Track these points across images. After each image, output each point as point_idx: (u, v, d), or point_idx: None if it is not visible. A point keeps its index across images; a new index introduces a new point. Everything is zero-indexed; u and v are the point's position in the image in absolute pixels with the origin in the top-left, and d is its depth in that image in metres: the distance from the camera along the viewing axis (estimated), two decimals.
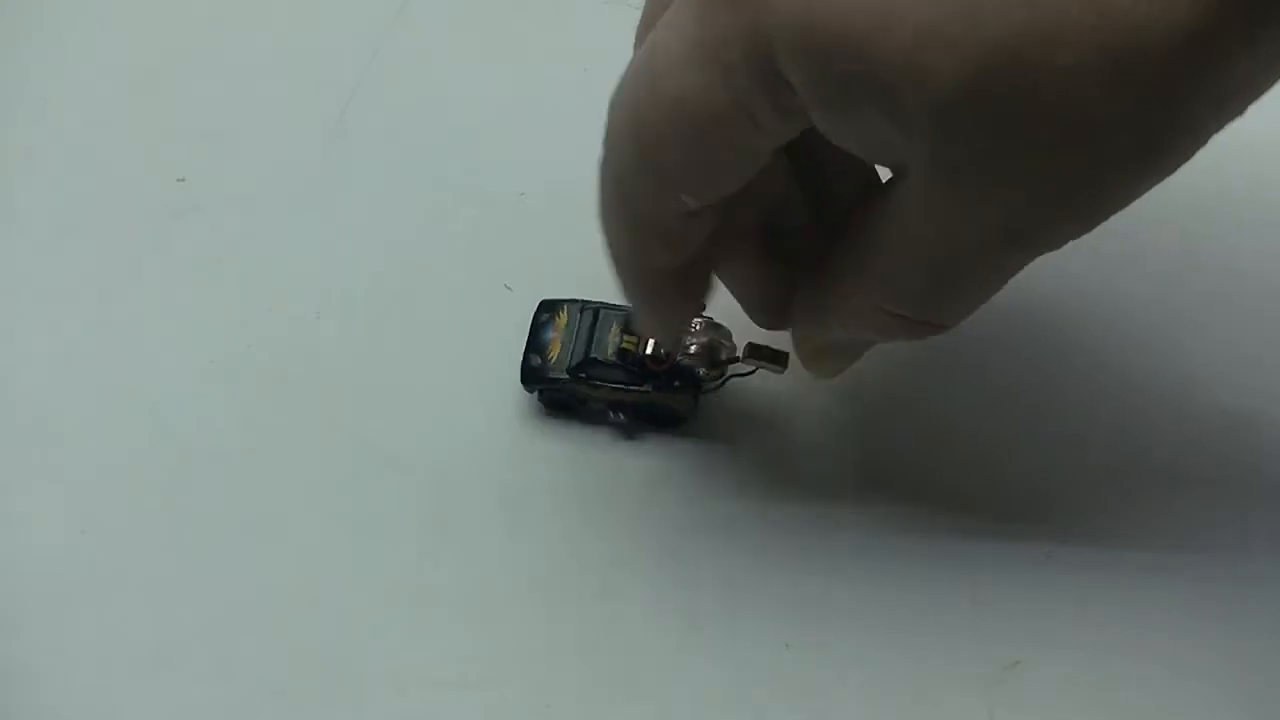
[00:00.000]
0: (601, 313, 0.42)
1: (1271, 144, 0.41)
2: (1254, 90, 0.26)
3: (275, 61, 0.54)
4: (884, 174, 0.32)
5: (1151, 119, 0.25)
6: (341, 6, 0.56)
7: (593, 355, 0.41)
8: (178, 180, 0.50)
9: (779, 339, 0.39)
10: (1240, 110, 0.27)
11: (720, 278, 0.38)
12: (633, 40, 0.34)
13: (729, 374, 0.41)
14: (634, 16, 0.34)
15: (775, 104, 0.28)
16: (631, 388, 0.41)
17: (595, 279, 0.38)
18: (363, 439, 0.43)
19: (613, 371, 0.41)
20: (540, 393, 0.42)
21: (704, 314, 0.40)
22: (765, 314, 0.38)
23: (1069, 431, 0.42)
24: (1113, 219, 0.28)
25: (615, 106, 0.31)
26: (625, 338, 0.41)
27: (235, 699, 0.38)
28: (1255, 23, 0.24)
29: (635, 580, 0.40)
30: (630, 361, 0.41)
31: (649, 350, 0.41)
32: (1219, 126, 0.26)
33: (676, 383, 0.41)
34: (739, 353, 0.41)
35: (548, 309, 0.43)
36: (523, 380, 0.42)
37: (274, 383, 0.44)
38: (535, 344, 0.42)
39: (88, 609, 0.40)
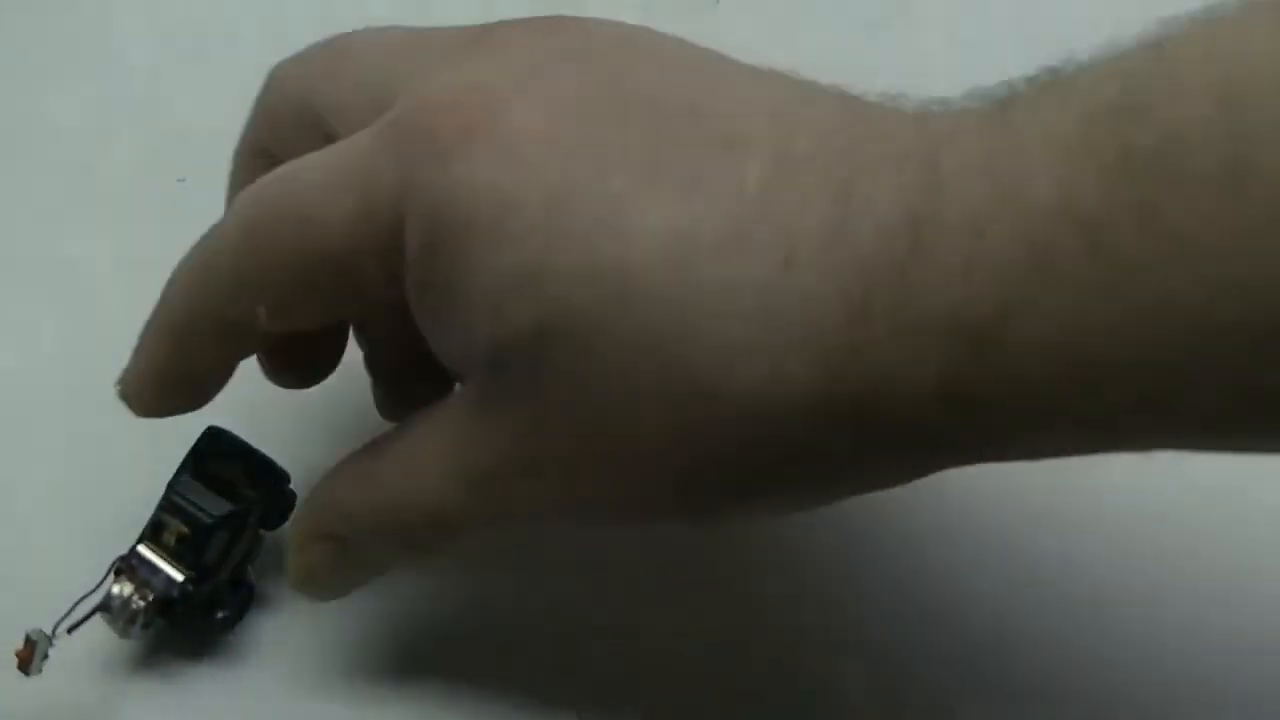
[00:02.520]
0: None
1: None
2: None
3: (275, 62, 0.54)
4: None
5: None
6: (342, 6, 0.56)
7: None
8: (178, 180, 0.50)
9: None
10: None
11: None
12: None
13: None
14: None
15: (387, 263, 0.27)
16: None
17: None
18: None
19: None
20: None
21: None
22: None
23: None
24: None
25: (241, 198, 0.31)
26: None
27: (234, 698, 0.38)
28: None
29: None
30: None
31: None
32: None
33: None
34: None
35: None
36: None
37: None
38: None
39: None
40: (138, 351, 0.34)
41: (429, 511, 0.30)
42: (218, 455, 0.38)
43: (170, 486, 0.37)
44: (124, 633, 0.36)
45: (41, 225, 0.49)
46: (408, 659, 0.38)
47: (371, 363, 0.37)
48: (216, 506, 0.37)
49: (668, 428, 0.25)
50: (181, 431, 0.38)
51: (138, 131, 0.52)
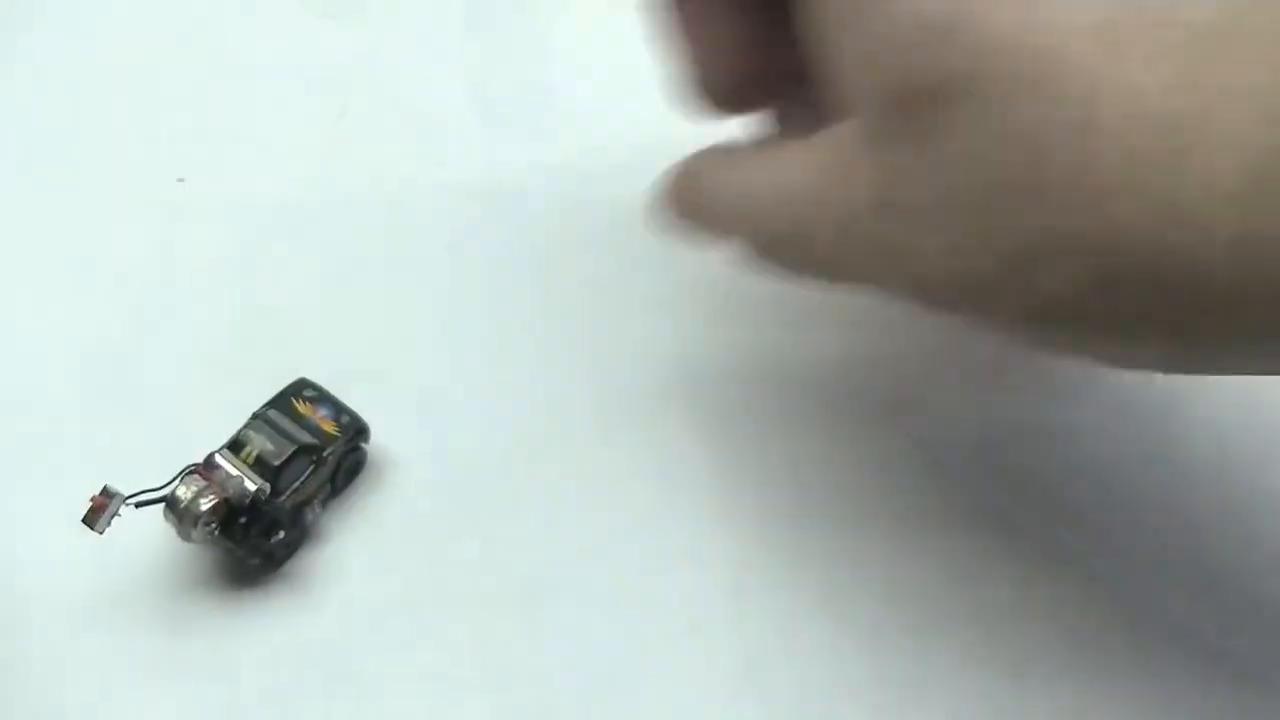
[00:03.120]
0: None
1: None
2: None
3: (275, 61, 0.54)
4: None
5: None
6: (341, 6, 0.56)
7: None
8: (178, 180, 0.50)
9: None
10: None
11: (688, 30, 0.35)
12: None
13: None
14: None
15: None
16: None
17: None
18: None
19: None
20: None
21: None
22: (716, 90, 0.35)
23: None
24: None
25: None
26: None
27: (235, 698, 0.38)
28: None
29: None
30: None
31: None
32: None
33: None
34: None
35: None
36: None
37: (275, 383, 0.44)
38: None
39: (88, 609, 0.39)
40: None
41: (784, 221, 0.30)
42: (306, 399, 0.42)
43: (256, 414, 0.41)
44: (186, 535, 0.39)
45: (42, 225, 0.49)
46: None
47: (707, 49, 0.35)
48: (300, 435, 0.40)
49: (1059, 223, 0.24)
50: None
51: (138, 131, 0.51)
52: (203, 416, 0.43)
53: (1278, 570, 0.39)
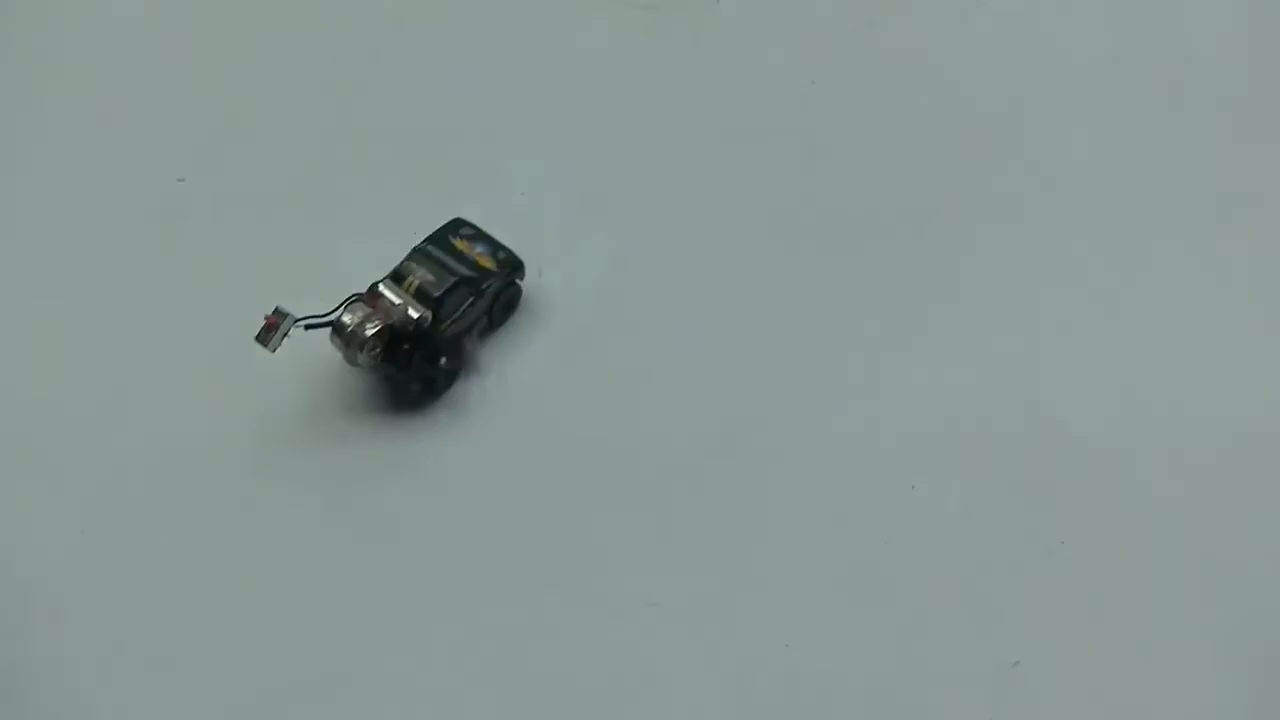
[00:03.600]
0: None
1: None
2: None
3: (275, 61, 0.54)
4: None
5: None
6: (341, 6, 0.56)
7: None
8: (178, 180, 0.50)
9: None
10: None
11: None
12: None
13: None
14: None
15: None
16: None
17: None
18: (372, 438, 0.43)
19: None
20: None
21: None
22: None
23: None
24: None
25: None
26: None
27: (234, 699, 0.38)
28: None
29: None
30: None
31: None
32: None
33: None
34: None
35: None
36: None
37: (275, 383, 0.44)
38: None
39: (88, 609, 0.39)
40: None
41: None
42: (463, 237, 0.43)
43: (416, 249, 0.43)
44: (352, 359, 0.41)
45: (42, 225, 0.49)
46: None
47: None
48: (459, 269, 0.42)
49: None
50: None
51: (138, 131, 0.51)
52: (203, 415, 0.43)
53: None
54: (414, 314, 0.41)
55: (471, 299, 0.42)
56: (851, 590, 0.40)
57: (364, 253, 0.43)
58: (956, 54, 0.52)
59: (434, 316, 0.41)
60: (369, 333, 0.40)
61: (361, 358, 0.41)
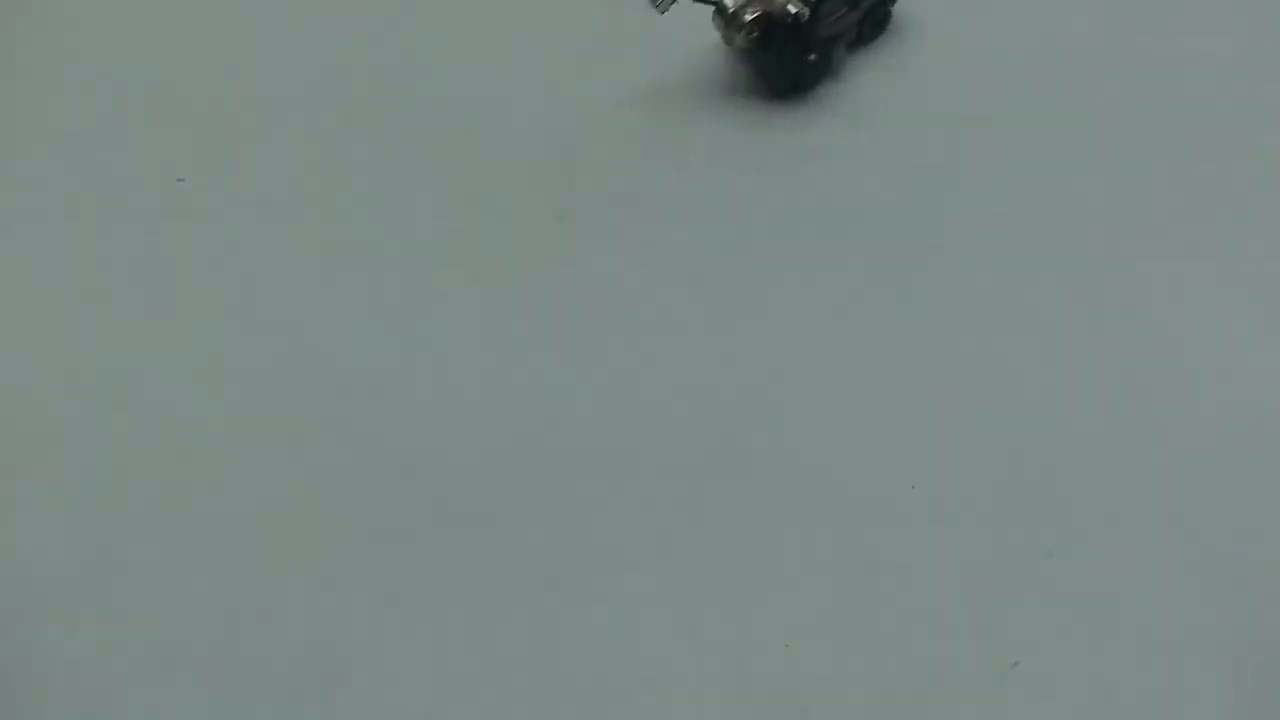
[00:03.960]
0: None
1: None
2: None
3: (274, 62, 0.54)
4: None
5: None
6: (341, 6, 0.56)
7: None
8: (177, 180, 0.50)
9: None
10: None
11: None
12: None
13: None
14: None
15: None
16: None
17: None
18: (369, 440, 0.43)
19: None
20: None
21: None
22: None
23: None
24: None
25: None
26: None
27: (234, 698, 0.38)
28: None
29: None
30: None
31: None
32: None
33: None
34: None
35: None
36: None
37: (275, 382, 0.44)
38: None
39: (88, 609, 0.39)
40: None
41: None
42: None
43: None
44: (729, 39, 0.47)
45: (42, 225, 0.49)
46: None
47: None
48: None
49: None
50: None
51: (138, 131, 0.51)
52: (203, 414, 0.43)
53: None
54: (792, 9, 0.46)
55: (846, 8, 0.48)
56: (851, 590, 0.40)
57: None
58: (960, 58, 0.52)
59: (811, 14, 0.46)
60: (748, 17, 0.46)
61: (738, 39, 0.46)
